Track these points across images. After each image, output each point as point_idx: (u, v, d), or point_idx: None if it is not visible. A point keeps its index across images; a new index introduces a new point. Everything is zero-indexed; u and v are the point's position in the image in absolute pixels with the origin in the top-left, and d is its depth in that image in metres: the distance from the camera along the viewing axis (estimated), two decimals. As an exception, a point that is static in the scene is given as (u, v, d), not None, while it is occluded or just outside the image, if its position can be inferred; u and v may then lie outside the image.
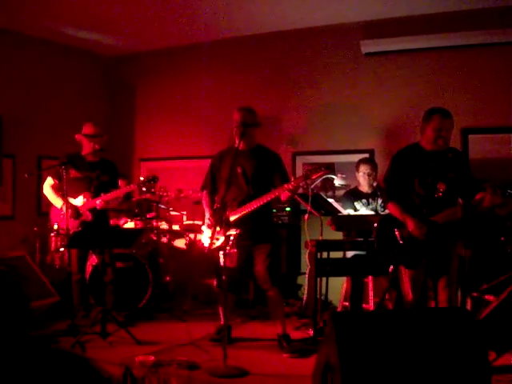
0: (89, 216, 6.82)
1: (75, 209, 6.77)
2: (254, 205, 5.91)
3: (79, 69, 9.84)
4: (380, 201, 7.17)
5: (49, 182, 7.01)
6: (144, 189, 6.85)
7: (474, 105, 7.67)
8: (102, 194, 6.71)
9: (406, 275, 5.43)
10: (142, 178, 6.70)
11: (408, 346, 3.58)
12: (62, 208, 6.76)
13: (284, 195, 5.89)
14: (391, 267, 5.62)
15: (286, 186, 5.78)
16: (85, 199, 6.80)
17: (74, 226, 6.68)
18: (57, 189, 6.94)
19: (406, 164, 5.50)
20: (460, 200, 5.42)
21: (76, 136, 7.10)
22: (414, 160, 5.46)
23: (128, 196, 7.68)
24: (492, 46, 7.57)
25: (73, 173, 6.86)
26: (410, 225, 5.29)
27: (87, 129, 7.06)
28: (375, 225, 5.61)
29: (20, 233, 8.42)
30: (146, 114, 10.07)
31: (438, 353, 3.59)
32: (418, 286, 5.40)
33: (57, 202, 6.88)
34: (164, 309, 7.73)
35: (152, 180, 6.68)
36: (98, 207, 6.72)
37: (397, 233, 5.35)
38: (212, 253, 5.89)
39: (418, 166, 5.41)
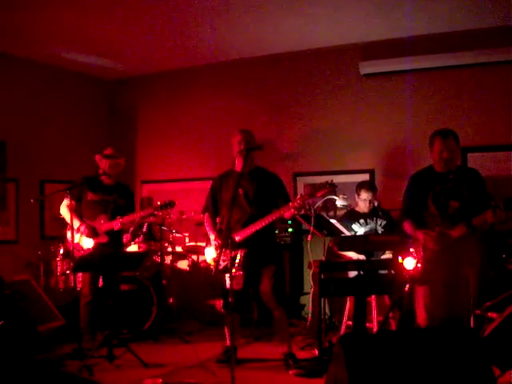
0: (105, 238, 6.87)
1: (93, 228, 6.83)
2: (258, 225, 5.98)
3: (81, 93, 9.91)
4: (380, 221, 7.21)
5: (65, 202, 7.00)
6: (160, 213, 6.90)
7: (474, 123, 7.77)
8: (119, 217, 6.76)
9: (420, 294, 5.48)
10: (158, 203, 6.75)
11: (415, 365, 3.62)
12: (78, 228, 6.83)
13: (288, 213, 5.96)
14: (407, 287, 5.62)
15: (291, 204, 5.86)
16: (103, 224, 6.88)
17: (90, 244, 6.81)
18: (73, 210, 6.96)
19: (420, 185, 5.63)
20: None
21: (96, 156, 7.19)
22: (427, 181, 5.59)
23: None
24: (491, 65, 7.68)
25: (90, 195, 6.96)
26: (421, 237, 5.38)
27: (106, 151, 7.19)
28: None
29: (24, 257, 8.44)
30: (147, 136, 10.14)
31: (445, 371, 3.63)
32: (432, 305, 5.41)
33: (75, 222, 6.87)
34: (169, 330, 7.74)
35: (169, 205, 6.72)
36: (115, 228, 6.79)
37: (412, 251, 5.41)
38: (218, 275, 5.95)
39: (431, 186, 5.53)
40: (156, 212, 6.81)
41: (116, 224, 6.78)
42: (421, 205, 5.57)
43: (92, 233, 6.86)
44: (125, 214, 6.83)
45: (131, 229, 7.53)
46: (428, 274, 5.40)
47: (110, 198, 6.92)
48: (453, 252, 5.36)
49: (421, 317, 5.47)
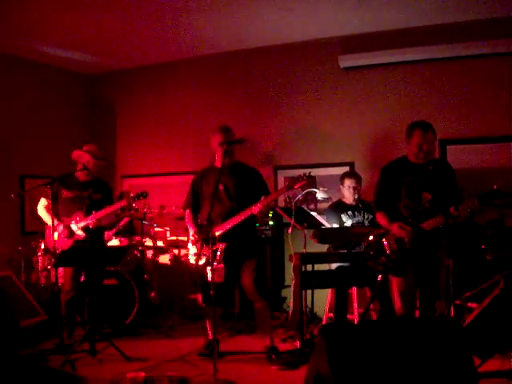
0: (81, 235, 6.83)
1: (69, 228, 6.80)
2: (237, 219, 6.02)
3: (60, 87, 9.84)
4: (367, 215, 7.23)
5: (42, 202, 7.00)
6: (134, 204, 6.90)
7: (453, 116, 7.80)
8: (94, 212, 6.73)
9: (394, 284, 5.54)
10: (131, 194, 6.75)
11: (396, 355, 3.66)
12: (55, 228, 6.77)
13: (257, 209, 5.96)
14: (379, 277, 5.72)
15: (253, 207, 5.96)
16: (78, 221, 6.82)
17: (67, 244, 6.73)
18: (49, 210, 6.91)
19: (393, 176, 5.67)
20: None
21: (76, 152, 7.13)
22: (400, 172, 5.63)
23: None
24: (470, 58, 7.70)
25: (65, 193, 6.93)
26: (394, 229, 5.43)
27: (88, 147, 7.14)
28: (371, 238, 5.69)
29: (4, 253, 8.38)
30: (127, 131, 10.11)
31: (425, 361, 3.67)
32: (406, 294, 5.51)
33: (51, 222, 6.86)
34: (150, 324, 7.74)
35: (141, 195, 6.73)
36: (90, 226, 6.73)
37: (384, 242, 5.46)
38: (199, 268, 5.97)
39: (404, 177, 5.58)
40: (129, 202, 6.80)
41: (91, 219, 6.75)
42: (394, 196, 5.62)
43: (69, 233, 6.83)
44: (101, 209, 6.81)
45: (118, 227, 7.52)
46: (402, 265, 5.47)
47: (85, 194, 6.88)
48: (427, 243, 5.42)
49: (397, 305, 5.54)
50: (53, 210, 6.69)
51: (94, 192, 6.93)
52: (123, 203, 6.84)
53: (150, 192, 6.91)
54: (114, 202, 7.06)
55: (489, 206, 5.30)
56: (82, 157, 7.01)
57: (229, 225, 6.07)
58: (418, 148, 5.49)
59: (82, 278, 7.12)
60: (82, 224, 6.77)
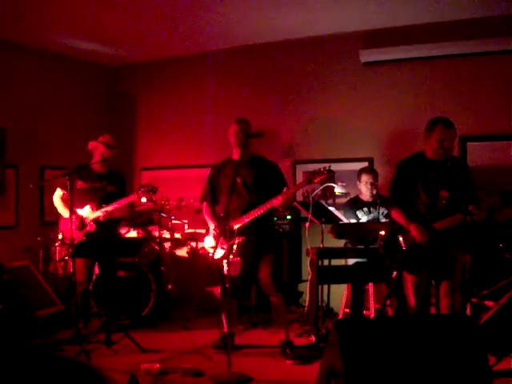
0: (92, 227, 6.83)
1: (81, 220, 6.81)
2: (257, 212, 6.00)
3: (81, 79, 9.88)
4: (382, 210, 7.21)
5: (58, 193, 7.00)
6: (144, 199, 6.92)
7: (473, 113, 7.73)
8: (104, 205, 6.75)
9: (409, 281, 5.51)
10: (142, 189, 6.76)
11: (410, 351, 3.64)
12: (68, 219, 6.77)
13: (278, 201, 5.93)
14: (394, 273, 5.69)
15: (274, 200, 5.91)
16: (91, 209, 6.83)
17: (78, 236, 6.71)
18: (66, 200, 6.91)
19: (409, 172, 5.59)
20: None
21: (92, 143, 7.14)
22: (417, 168, 5.55)
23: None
24: (490, 54, 7.64)
25: (80, 183, 6.90)
26: (413, 230, 5.37)
27: (105, 138, 7.13)
28: (382, 232, 5.66)
29: (23, 242, 8.44)
30: (147, 123, 10.13)
31: (439, 358, 3.65)
32: (420, 291, 5.47)
33: (64, 212, 6.88)
34: (167, 317, 7.79)
35: (151, 190, 6.74)
36: (100, 218, 6.75)
37: (400, 239, 5.43)
38: (216, 262, 5.96)
39: (421, 173, 5.50)
40: (139, 198, 6.83)
41: (101, 213, 6.77)
42: (410, 192, 5.54)
43: (80, 225, 6.83)
44: (114, 201, 6.82)
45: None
46: (417, 262, 5.44)
47: (99, 186, 6.91)
48: (441, 241, 5.39)
49: (412, 302, 5.51)
50: (70, 200, 6.70)
51: (109, 184, 6.96)
52: (132, 198, 6.86)
53: (169, 184, 6.94)
54: (129, 195, 7.06)
55: (510, 205, 5.27)
56: (97, 148, 7.03)
57: (248, 218, 6.05)
58: (438, 143, 5.41)
59: (97, 271, 7.19)
60: (93, 216, 6.80)
